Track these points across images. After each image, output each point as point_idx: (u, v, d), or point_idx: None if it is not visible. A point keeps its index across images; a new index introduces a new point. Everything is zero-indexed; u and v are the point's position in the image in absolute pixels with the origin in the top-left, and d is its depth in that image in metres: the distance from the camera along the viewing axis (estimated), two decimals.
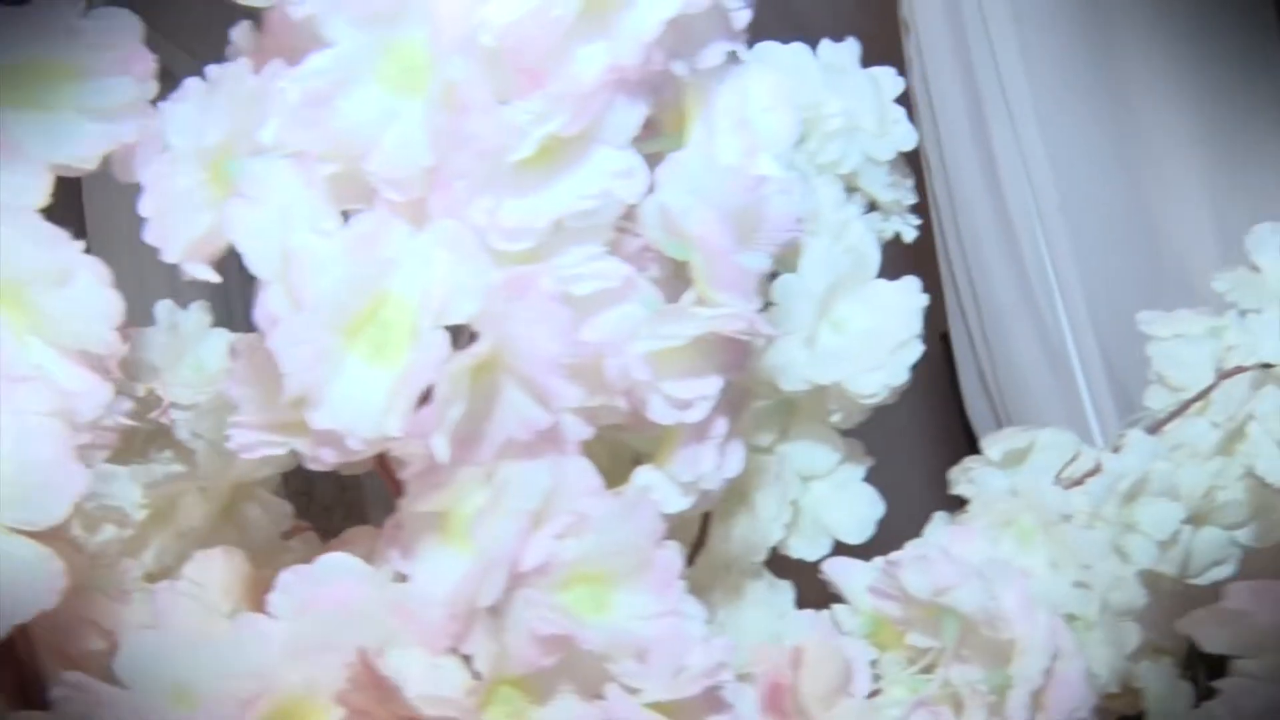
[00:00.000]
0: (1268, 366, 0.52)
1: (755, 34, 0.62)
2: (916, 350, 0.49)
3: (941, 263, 1.13)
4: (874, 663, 0.50)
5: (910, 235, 0.57)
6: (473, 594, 0.34)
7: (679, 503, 0.38)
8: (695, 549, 0.51)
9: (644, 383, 0.35)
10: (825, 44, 0.56)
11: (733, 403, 0.39)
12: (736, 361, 0.37)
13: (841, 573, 0.51)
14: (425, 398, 0.33)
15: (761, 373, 0.50)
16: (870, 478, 0.56)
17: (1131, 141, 1.08)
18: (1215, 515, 0.54)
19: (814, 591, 0.53)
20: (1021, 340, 1.06)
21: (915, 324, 0.49)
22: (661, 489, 0.38)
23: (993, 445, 0.55)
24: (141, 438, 0.57)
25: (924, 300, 0.50)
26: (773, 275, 0.52)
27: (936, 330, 1.19)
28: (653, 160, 0.36)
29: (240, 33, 0.38)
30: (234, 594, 0.42)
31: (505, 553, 0.34)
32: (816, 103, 0.52)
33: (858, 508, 0.54)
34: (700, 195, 0.34)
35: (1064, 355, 1.06)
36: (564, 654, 0.35)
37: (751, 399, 0.49)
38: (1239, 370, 0.53)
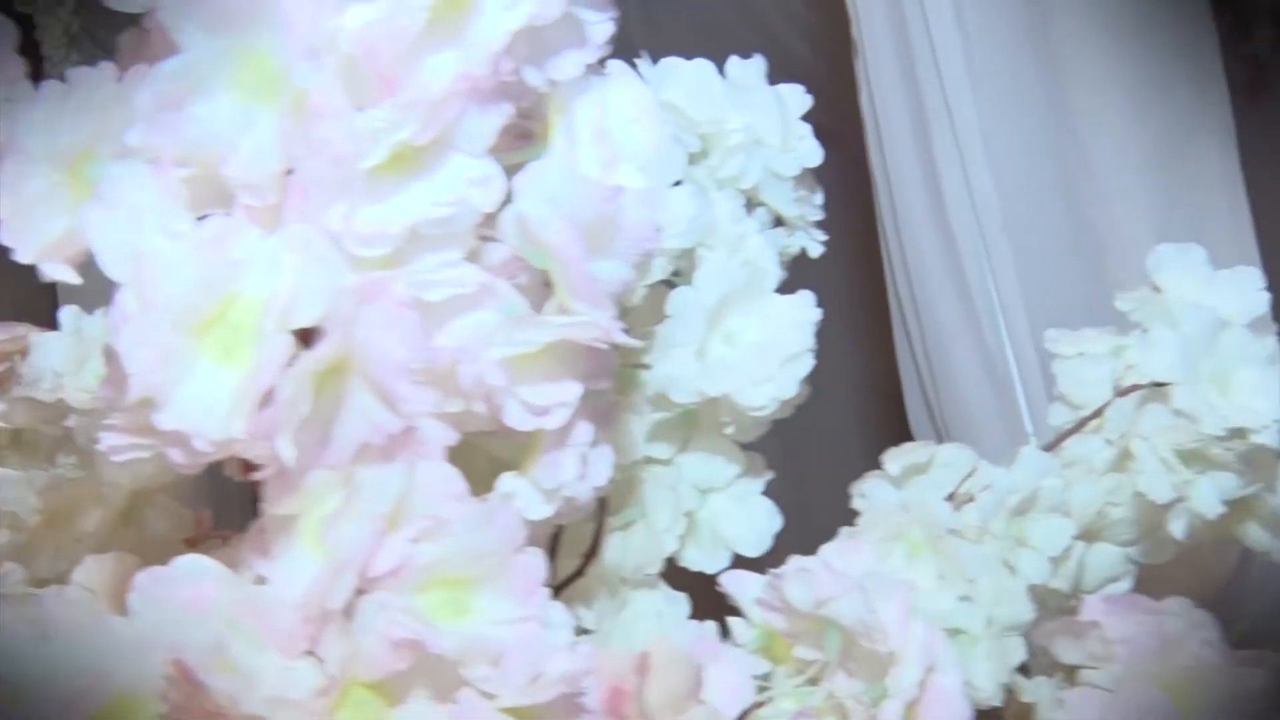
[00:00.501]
0: (1159, 385, 0.52)
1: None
2: (807, 364, 0.50)
3: (888, 282, 1.13)
4: (767, 675, 0.51)
5: (816, 251, 0.57)
6: (324, 597, 0.35)
7: (541, 510, 0.38)
8: (587, 559, 0.51)
9: (500, 388, 0.36)
10: (733, 61, 0.56)
11: (600, 411, 0.39)
12: (598, 370, 0.37)
13: (736, 585, 0.52)
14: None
15: (654, 384, 0.50)
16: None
17: (1076, 163, 1.08)
18: (1109, 532, 0.54)
19: None
20: (963, 360, 1.06)
21: (806, 338, 0.50)
22: (524, 496, 0.38)
23: (893, 460, 0.55)
24: (49, 443, 0.58)
25: (817, 314, 0.50)
26: (673, 287, 0.52)
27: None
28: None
29: (127, 38, 0.39)
30: (123, 599, 0.42)
31: (356, 556, 0.35)
32: (719, 118, 0.53)
33: (755, 521, 0.54)
34: (555, 205, 0.35)
35: (1006, 376, 1.07)
36: (416, 658, 0.35)
37: (622, 408, 0.49)
38: (1134, 388, 0.54)
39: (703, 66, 0.54)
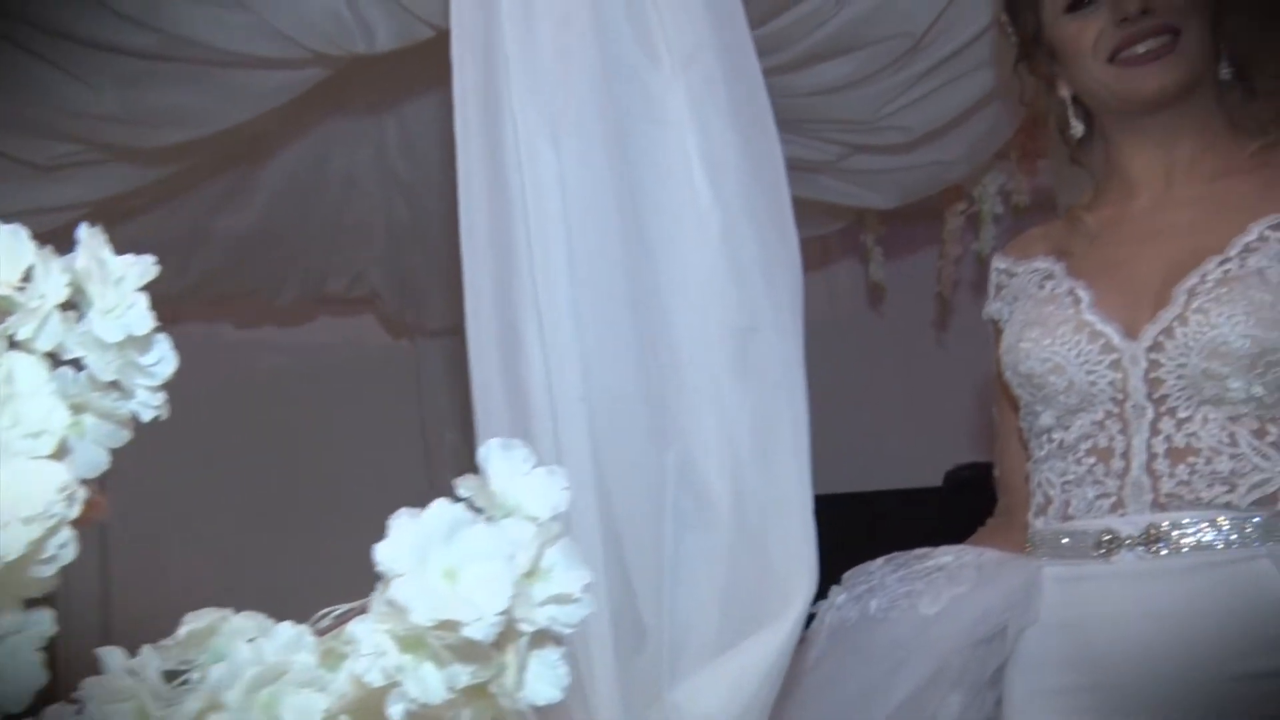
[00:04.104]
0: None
1: None
2: (42, 528, 0.51)
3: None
4: None
5: (148, 415, 0.60)
6: None
7: None
8: None
9: None
10: (80, 228, 0.59)
11: None
12: None
13: None
14: None
15: None
16: None
17: (660, 343, 1.15)
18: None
19: None
20: None
21: (49, 503, 0.51)
22: None
23: (185, 624, 0.57)
24: None
25: (65, 478, 0.52)
26: None
27: None
28: None
29: None
30: None
31: None
32: (15, 280, 0.55)
33: (20, 678, 0.55)
34: None
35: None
36: None
37: None
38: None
39: (14, 231, 0.56)
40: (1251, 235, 1.24)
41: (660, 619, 1.10)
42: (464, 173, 1.13)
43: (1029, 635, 1.28)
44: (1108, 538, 1.23)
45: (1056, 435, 1.30)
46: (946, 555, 1.36)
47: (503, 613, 0.54)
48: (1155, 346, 1.23)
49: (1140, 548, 1.21)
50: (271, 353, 3.19)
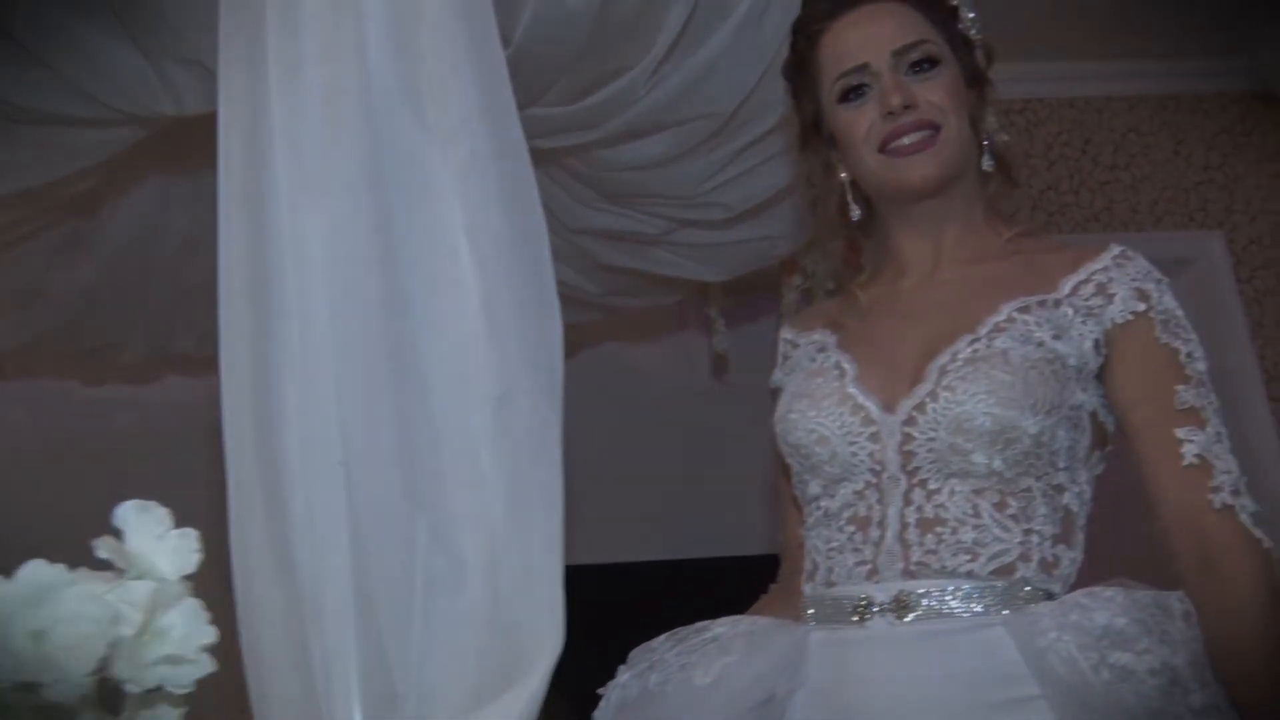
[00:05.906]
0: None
1: None
2: None
3: None
4: None
5: None
6: None
7: None
8: None
9: None
10: None
11: None
12: None
13: None
14: None
15: None
16: None
17: (418, 408, 1.16)
18: None
19: None
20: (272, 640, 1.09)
21: None
22: None
23: None
24: None
25: None
26: None
27: None
28: None
29: None
30: None
31: None
32: None
33: None
34: None
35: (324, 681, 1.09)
36: None
37: None
38: None
39: None
40: (1001, 316, 1.31)
41: (410, 683, 1.10)
42: (225, 236, 1.14)
43: (797, 699, 1.31)
44: (863, 604, 1.27)
45: (823, 503, 1.35)
46: (721, 626, 1.39)
47: (91, 674, 0.55)
48: (909, 420, 1.29)
49: (890, 614, 1.25)
50: (121, 410, 3.13)
